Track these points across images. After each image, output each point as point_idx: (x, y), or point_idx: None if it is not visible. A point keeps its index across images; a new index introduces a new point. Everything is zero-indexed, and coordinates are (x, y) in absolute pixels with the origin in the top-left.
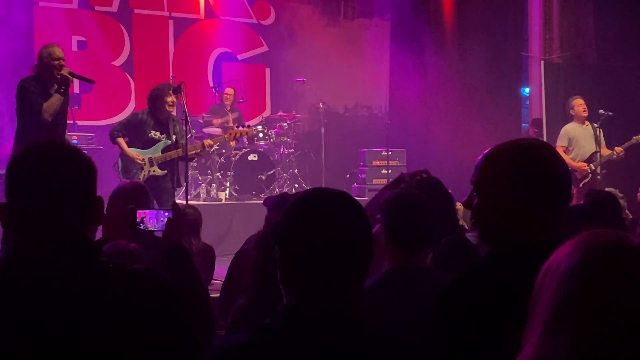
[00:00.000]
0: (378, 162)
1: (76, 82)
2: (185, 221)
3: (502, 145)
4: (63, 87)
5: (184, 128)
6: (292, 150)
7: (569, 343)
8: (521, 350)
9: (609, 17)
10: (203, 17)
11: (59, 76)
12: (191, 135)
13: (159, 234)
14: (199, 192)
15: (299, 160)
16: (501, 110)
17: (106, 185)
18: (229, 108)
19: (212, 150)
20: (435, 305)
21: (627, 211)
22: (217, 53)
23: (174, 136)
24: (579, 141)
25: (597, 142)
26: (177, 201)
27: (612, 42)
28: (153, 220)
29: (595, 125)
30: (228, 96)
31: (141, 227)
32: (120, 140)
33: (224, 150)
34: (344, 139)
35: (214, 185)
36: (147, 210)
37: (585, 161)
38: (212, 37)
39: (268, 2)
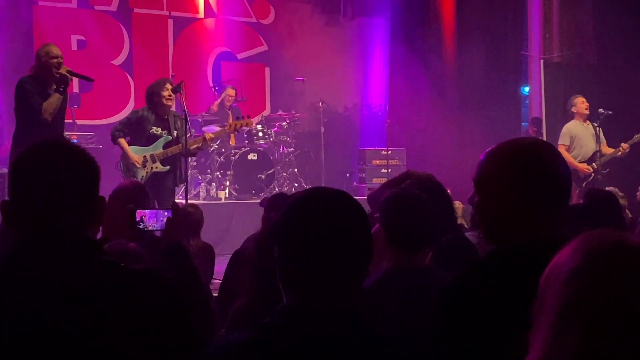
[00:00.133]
0: (378, 161)
1: (75, 81)
2: (187, 220)
3: (503, 144)
4: (62, 86)
5: (186, 125)
6: (292, 149)
7: (575, 345)
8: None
9: (608, 16)
10: (202, 16)
11: (58, 75)
12: (190, 135)
13: (159, 234)
14: (199, 191)
15: (299, 159)
16: (501, 109)
17: (106, 185)
18: (228, 108)
19: (212, 149)
20: (435, 304)
21: (627, 211)
22: (216, 52)
23: (175, 132)
24: (581, 140)
25: (598, 141)
26: (178, 201)
27: (611, 41)
28: (153, 219)
29: (595, 124)
30: (230, 97)
31: (141, 227)
32: (122, 140)
33: (223, 150)
34: (343, 138)
35: (214, 184)
36: (146, 210)
37: (587, 161)
38: (211, 37)
39: (268, 1)
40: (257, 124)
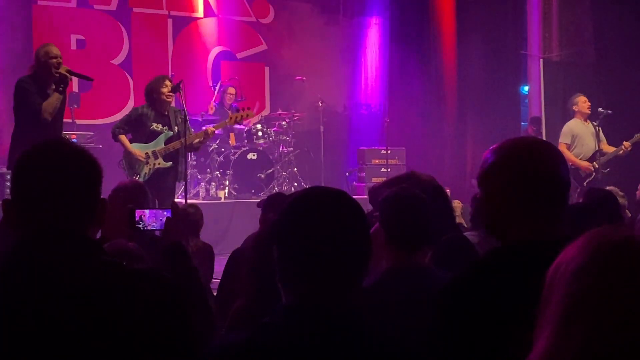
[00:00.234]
0: (377, 161)
1: (75, 80)
2: (186, 220)
3: (505, 142)
4: (62, 86)
5: (185, 124)
6: (292, 148)
7: (581, 340)
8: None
9: (607, 15)
10: (202, 15)
11: (57, 74)
12: (190, 135)
13: (159, 233)
14: (198, 190)
15: (298, 158)
16: (500, 108)
17: (106, 184)
18: (228, 107)
19: (211, 148)
20: (435, 303)
21: (627, 210)
22: (216, 52)
23: (176, 127)
24: (582, 139)
25: (598, 140)
26: (177, 200)
27: (610, 40)
28: (152, 219)
29: (595, 123)
30: (231, 96)
31: (140, 227)
32: (122, 137)
33: (223, 149)
34: (343, 138)
35: (213, 183)
36: (146, 210)
37: (587, 160)
38: (211, 36)
39: (267, 1)
40: (256, 123)
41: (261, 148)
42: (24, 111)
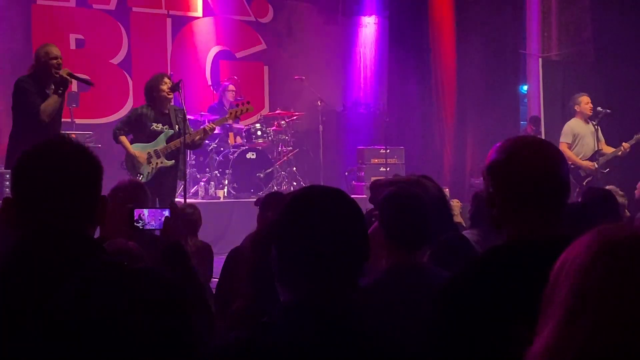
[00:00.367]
0: (376, 160)
1: (74, 81)
2: (185, 220)
3: (508, 140)
4: (62, 88)
5: (185, 123)
6: (290, 148)
7: (584, 337)
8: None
9: (606, 14)
10: (201, 15)
11: (57, 75)
12: (189, 134)
13: (158, 233)
14: (198, 190)
15: (298, 158)
16: (499, 107)
17: (105, 184)
18: (229, 107)
19: (210, 147)
20: (434, 302)
21: (626, 210)
22: (215, 51)
23: (177, 125)
24: (583, 138)
25: (597, 140)
26: (176, 200)
27: (609, 39)
28: (151, 218)
29: (594, 122)
30: (232, 93)
31: (139, 226)
32: (123, 138)
33: (222, 149)
34: (342, 137)
35: (213, 183)
36: (145, 209)
37: (588, 159)
38: (210, 35)
39: (266, 0)
40: (255, 122)
41: (260, 147)
42: (22, 111)
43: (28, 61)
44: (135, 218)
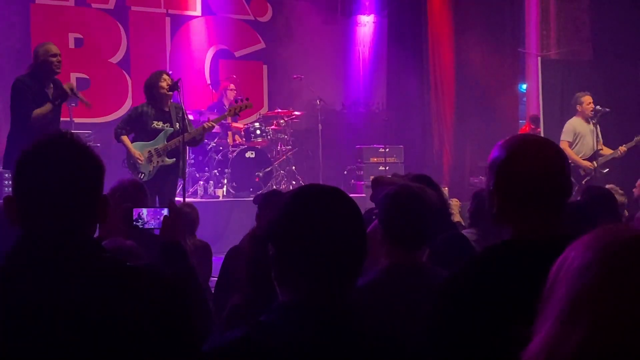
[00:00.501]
0: (375, 159)
1: (73, 78)
2: (183, 219)
3: (512, 138)
4: (59, 100)
5: (184, 121)
6: (290, 147)
7: (582, 336)
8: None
9: (605, 13)
10: (200, 14)
11: (58, 71)
12: (189, 132)
13: (157, 232)
14: (197, 189)
15: (297, 157)
16: (498, 106)
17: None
18: (227, 105)
19: (210, 146)
20: (434, 300)
21: (626, 210)
22: (214, 50)
23: (177, 123)
24: (584, 137)
25: (597, 139)
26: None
27: (608, 38)
28: (150, 218)
29: (593, 121)
30: (233, 92)
31: (139, 225)
32: (124, 138)
33: (221, 148)
34: (341, 136)
35: (212, 182)
36: (143, 208)
37: (588, 159)
38: (209, 34)
39: None
40: (254, 121)
41: (259, 146)
42: (16, 112)
43: (27, 60)
44: (134, 217)
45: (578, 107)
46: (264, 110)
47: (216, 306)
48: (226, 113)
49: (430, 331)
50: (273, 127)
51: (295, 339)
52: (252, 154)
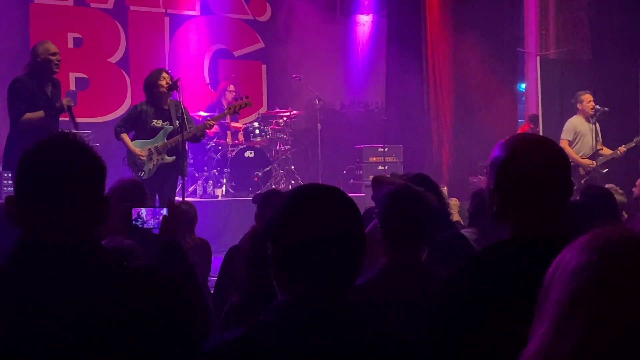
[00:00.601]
0: (374, 159)
1: (72, 78)
2: (182, 218)
3: (511, 137)
4: (54, 113)
5: (183, 120)
6: (289, 146)
7: (577, 338)
8: (527, 344)
9: (604, 12)
10: (199, 13)
11: (57, 70)
12: (188, 131)
13: (156, 231)
14: (196, 188)
15: (296, 156)
16: (497, 106)
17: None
18: (226, 105)
19: (209, 146)
20: (433, 300)
21: (624, 212)
22: (213, 50)
23: (177, 121)
24: (584, 136)
25: (596, 139)
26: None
27: (607, 37)
28: (149, 217)
29: (593, 120)
30: (231, 93)
31: (138, 224)
32: (124, 136)
33: (220, 147)
34: (340, 136)
35: (211, 182)
36: (142, 208)
37: (588, 158)
38: (208, 34)
39: None
40: (253, 121)
41: (258, 146)
42: (9, 113)
43: (26, 60)
44: (133, 217)
45: (578, 106)
46: (263, 109)
47: (216, 306)
48: (226, 111)
49: (429, 330)
50: (272, 126)
51: (294, 338)
52: (251, 153)
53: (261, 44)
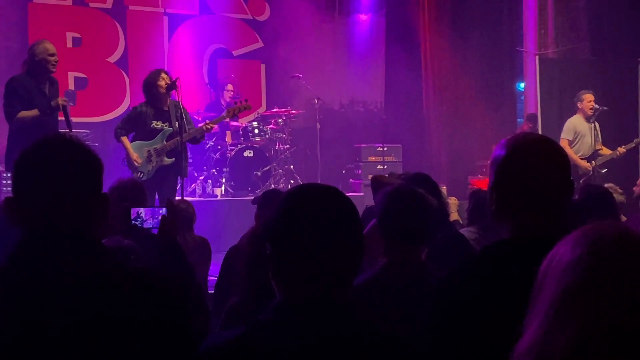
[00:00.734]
0: (374, 158)
1: (71, 78)
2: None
3: (512, 136)
4: (48, 111)
5: (182, 121)
6: (288, 146)
7: (571, 332)
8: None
9: (602, 11)
10: (198, 13)
11: (54, 70)
12: (187, 132)
13: (155, 231)
14: (195, 188)
15: (295, 156)
16: (496, 105)
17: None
18: (225, 106)
19: (208, 145)
20: (432, 299)
21: (622, 215)
22: (212, 49)
23: (177, 123)
24: (584, 136)
25: (596, 139)
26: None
27: (606, 36)
28: (148, 217)
29: (592, 120)
30: (230, 92)
31: (137, 224)
32: (124, 139)
33: (219, 147)
34: (339, 135)
35: (210, 181)
36: (142, 208)
37: (587, 158)
38: (207, 34)
39: None
40: (252, 121)
41: (257, 145)
42: (5, 112)
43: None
44: (133, 216)
45: (578, 104)
46: (262, 109)
47: (216, 307)
48: (225, 114)
49: (428, 330)
50: (271, 126)
51: (293, 338)
52: (250, 153)
53: (260, 44)
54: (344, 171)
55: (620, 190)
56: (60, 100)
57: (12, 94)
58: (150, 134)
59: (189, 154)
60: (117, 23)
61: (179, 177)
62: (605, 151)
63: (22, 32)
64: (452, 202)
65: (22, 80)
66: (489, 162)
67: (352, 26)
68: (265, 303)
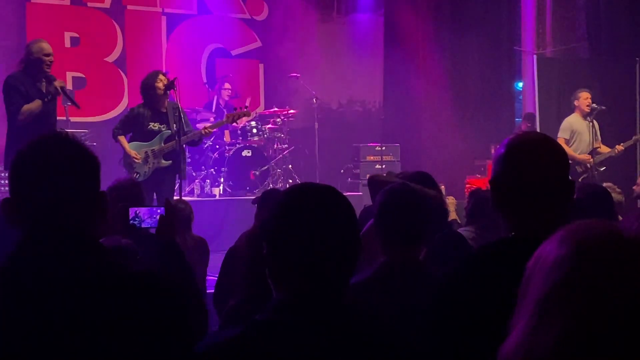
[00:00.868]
0: (372, 157)
1: (69, 78)
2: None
3: (513, 135)
4: (49, 97)
5: (181, 123)
6: (286, 145)
7: (557, 331)
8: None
9: (601, 11)
10: (196, 12)
11: (48, 70)
12: (185, 136)
13: (153, 231)
14: (193, 187)
15: (293, 155)
16: (494, 104)
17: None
18: (224, 106)
19: (206, 145)
20: (430, 298)
21: (619, 216)
22: (210, 49)
23: (175, 125)
24: (581, 135)
25: (594, 137)
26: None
27: (604, 36)
28: (146, 217)
29: (590, 118)
30: (227, 91)
31: (136, 223)
32: (121, 138)
33: (217, 146)
34: (337, 135)
35: (208, 181)
36: (140, 208)
37: None
38: (205, 33)
39: None
40: (251, 120)
41: (256, 145)
42: (6, 110)
43: None
44: (131, 216)
45: (575, 102)
46: (261, 109)
47: (216, 306)
48: (224, 120)
49: (426, 329)
50: (269, 125)
51: (290, 337)
52: (248, 152)
53: (258, 43)
54: (342, 170)
55: (618, 190)
56: (57, 83)
57: (13, 90)
58: (148, 136)
59: (187, 153)
60: (115, 23)
61: (177, 177)
62: (604, 149)
63: (20, 31)
64: (450, 201)
65: (19, 77)
66: (488, 161)
67: (351, 26)
68: (264, 303)
